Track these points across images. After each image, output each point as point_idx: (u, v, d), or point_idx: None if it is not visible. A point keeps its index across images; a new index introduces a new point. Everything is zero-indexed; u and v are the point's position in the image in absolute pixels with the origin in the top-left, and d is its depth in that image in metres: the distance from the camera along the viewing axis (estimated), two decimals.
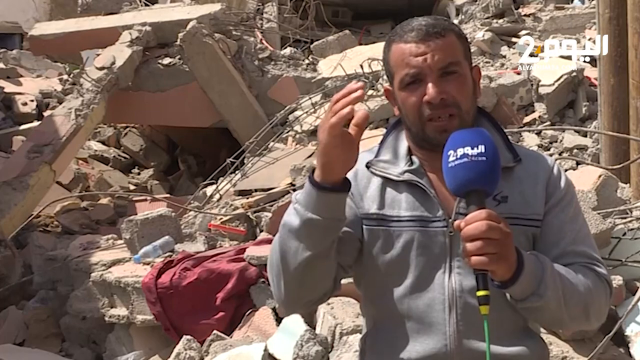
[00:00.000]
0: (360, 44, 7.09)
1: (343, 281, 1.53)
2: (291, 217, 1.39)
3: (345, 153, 1.31)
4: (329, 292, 1.49)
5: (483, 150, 1.31)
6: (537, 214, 1.48)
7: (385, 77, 5.37)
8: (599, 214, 3.08)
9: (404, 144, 1.54)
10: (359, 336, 1.93)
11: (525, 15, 6.64)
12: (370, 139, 4.94)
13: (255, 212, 4.36)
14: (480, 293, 1.29)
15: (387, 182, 1.50)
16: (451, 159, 1.33)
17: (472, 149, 1.31)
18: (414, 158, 1.51)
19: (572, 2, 7.02)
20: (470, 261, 1.28)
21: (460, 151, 1.32)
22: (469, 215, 1.30)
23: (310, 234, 1.38)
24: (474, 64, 1.52)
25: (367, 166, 1.52)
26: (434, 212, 1.46)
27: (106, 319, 3.78)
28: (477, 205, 1.31)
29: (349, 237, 1.47)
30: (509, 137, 1.56)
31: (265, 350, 3.05)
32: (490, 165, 1.31)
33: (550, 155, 4.51)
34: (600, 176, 3.43)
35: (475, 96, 1.50)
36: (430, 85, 1.42)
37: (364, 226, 1.49)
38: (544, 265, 1.39)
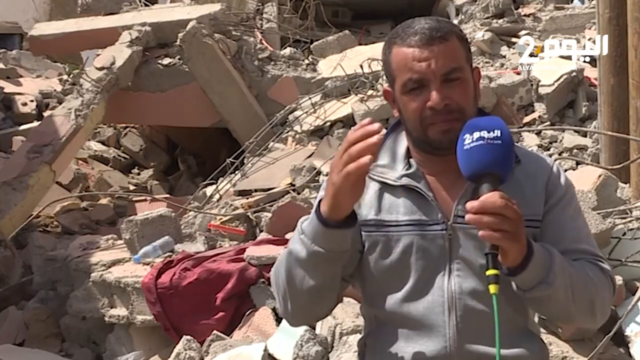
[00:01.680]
0: (360, 44, 7.07)
1: None
2: (297, 247, 1.41)
3: (356, 195, 1.32)
4: (333, 307, 1.53)
5: (499, 134, 1.33)
6: (536, 214, 1.48)
7: (385, 77, 5.40)
8: (598, 214, 3.08)
9: (402, 145, 1.54)
10: (359, 336, 1.92)
11: (525, 15, 6.63)
12: None
13: (255, 212, 4.37)
14: (490, 272, 1.29)
15: (384, 187, 1.50)
16: (467, 141, 1.34)
17: (489, 132, 1.33)
18: (412, 161, 1.51)
19: (572, 2, 7.01)
20: (484, 235, 1.28)
21: (476, 134, 1.33)
22: (484, 195, 1.30)
23: (317, 265, 1.40)
24: (474, 66, 1.52)
25: None
26: (432, 215, 1.46)
27: (106, 319, 3.78)
28: (491, 188, 1.31)
29: (351, 249, 1.46)
30: None
31: (265, 350, 3.05)
32: (505, 149, 1.33)
33: (550, 155, 4.51)
34: (600, 176, 3.43)
35: (476, 99, 1.50)
36: (434, 92, 1.41)
37: (363, 232, 1.48)
38: (552, 254, 1.39)
